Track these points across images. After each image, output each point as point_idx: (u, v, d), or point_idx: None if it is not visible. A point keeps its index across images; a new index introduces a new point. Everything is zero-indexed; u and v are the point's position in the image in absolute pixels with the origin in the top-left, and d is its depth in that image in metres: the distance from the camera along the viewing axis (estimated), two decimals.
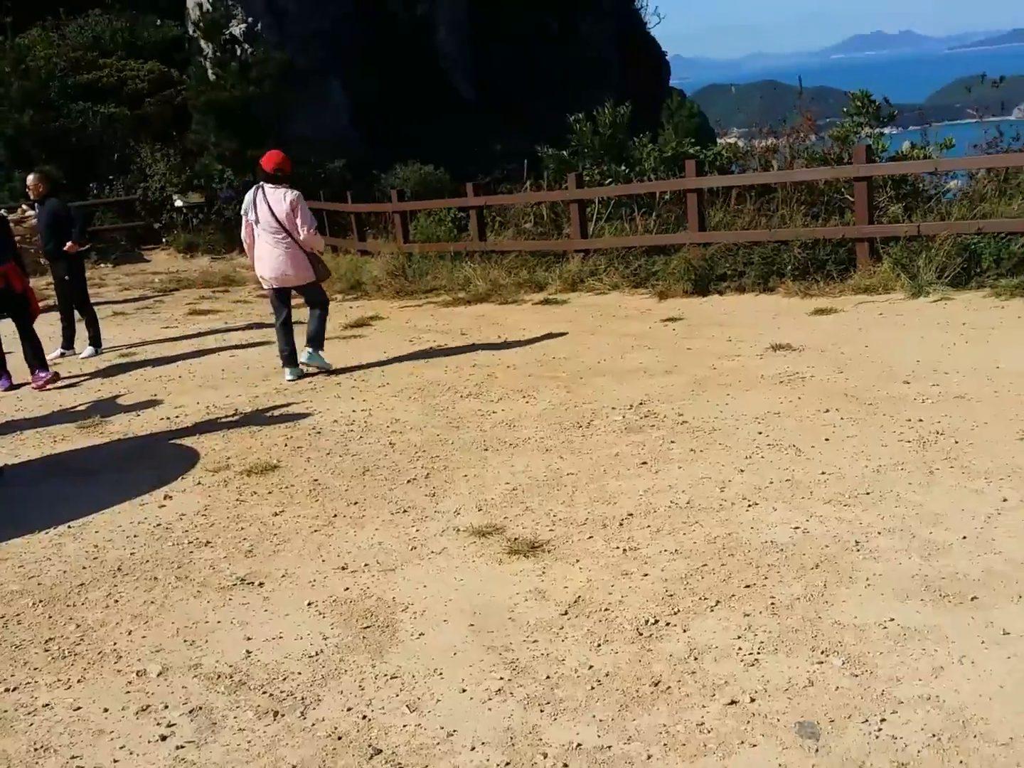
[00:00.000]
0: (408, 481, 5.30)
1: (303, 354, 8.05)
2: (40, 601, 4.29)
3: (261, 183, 7.77)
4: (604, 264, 11.01)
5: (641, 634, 3.43)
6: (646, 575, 3.87)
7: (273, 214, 7.63)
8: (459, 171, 18.78)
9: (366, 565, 4.31)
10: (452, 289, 11.68)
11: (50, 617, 4.13)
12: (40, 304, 8.97)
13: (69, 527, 5.17)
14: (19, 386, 8.46)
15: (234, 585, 4.24)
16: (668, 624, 3.48)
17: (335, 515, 4.93)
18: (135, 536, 4.94)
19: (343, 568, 4.30)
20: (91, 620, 4.06)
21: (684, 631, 3.43)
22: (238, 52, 18.24)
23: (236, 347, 9.58)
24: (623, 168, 12.19)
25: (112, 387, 8.26)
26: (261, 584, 4.22)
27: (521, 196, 13.58)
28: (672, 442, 5.45)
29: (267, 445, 6.22)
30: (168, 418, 7.15)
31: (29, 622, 4.10)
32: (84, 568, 4.61)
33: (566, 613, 3.64)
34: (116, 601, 4.21)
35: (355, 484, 5.34)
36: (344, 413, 6.78)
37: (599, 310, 9.70)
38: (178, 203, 18.11)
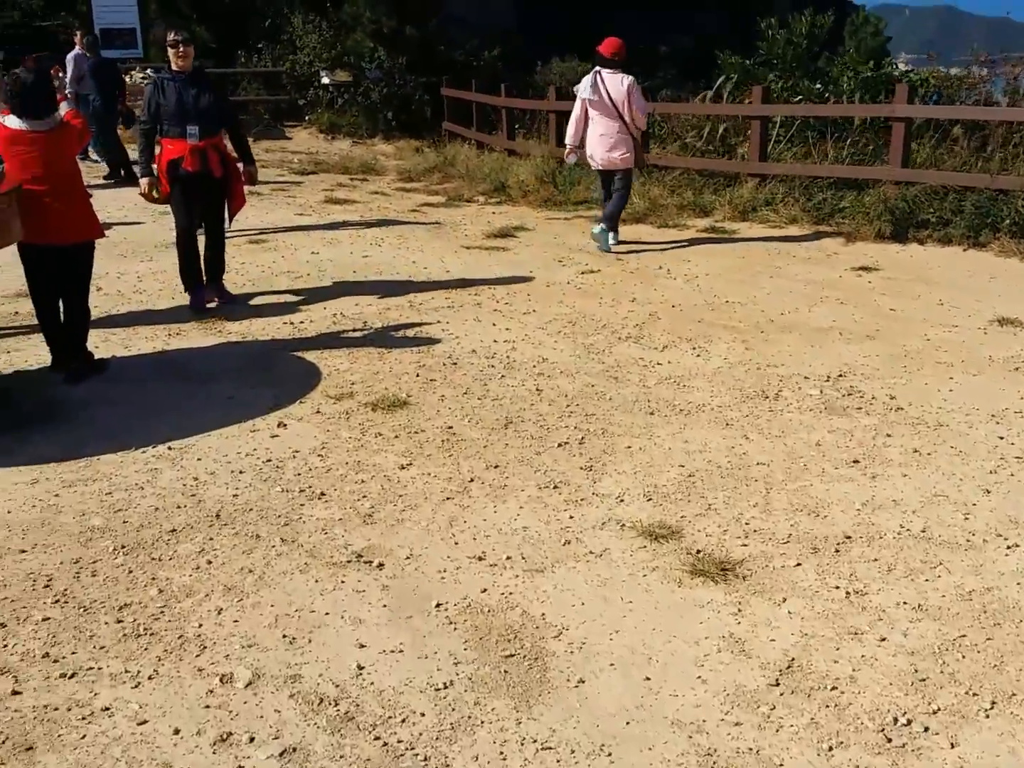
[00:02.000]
0: (559, 445, 4.44)
1: (596, 226, 8.45)
2: (122, 547, 3.62)
3: (598, 68, 8.13)
4: (782, 193, 9.78)
5: (889, 740, 2.53)
6: (883, 639, 2.94)
7: (610, 97, 8.02)
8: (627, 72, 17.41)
9: (508, 558, 3.49)
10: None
11: (130, 572, 3.45)
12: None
13: (169, 448, 4.50)
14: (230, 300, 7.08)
15: (348, 562, 3.48)
16: (926, 729, 2.57)
17: (471, 479, 4.11)
18: (240, 472, 4.23)
19: (479, 558, 3.49)
20: (177, 585, 3.36)
21: (952, 746, 2.51)
22: None
23: (370, 245, 8.80)
24: (817, 86, 10.79)
25: (237, 277, 7.57)
26: (380, 566, 3.45)
27: (693, 106, 12.28)
28: (888, 435, 4.44)
29: (396, 372, 5.42)
30: (291, 323, 6.42)
31: (105, 575, 3.44)
32: (178, 508, 3.92)
33: (777, 684, 2.75)
34: (209, 562, 3.50)
35: (495, 439, 4.51)
36: (484, 342, 5.93)
37: (775, 247, 8.55)
38: (325, 80, 17.30)
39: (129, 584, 3.37)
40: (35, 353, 5.92)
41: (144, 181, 6.48)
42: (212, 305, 6.79)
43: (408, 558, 3.50)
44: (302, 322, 6.47)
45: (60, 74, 11.96)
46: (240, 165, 6.82)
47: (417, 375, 5.38)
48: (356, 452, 4.40)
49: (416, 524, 3.74)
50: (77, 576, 3.43)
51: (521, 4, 21.35)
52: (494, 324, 6.30)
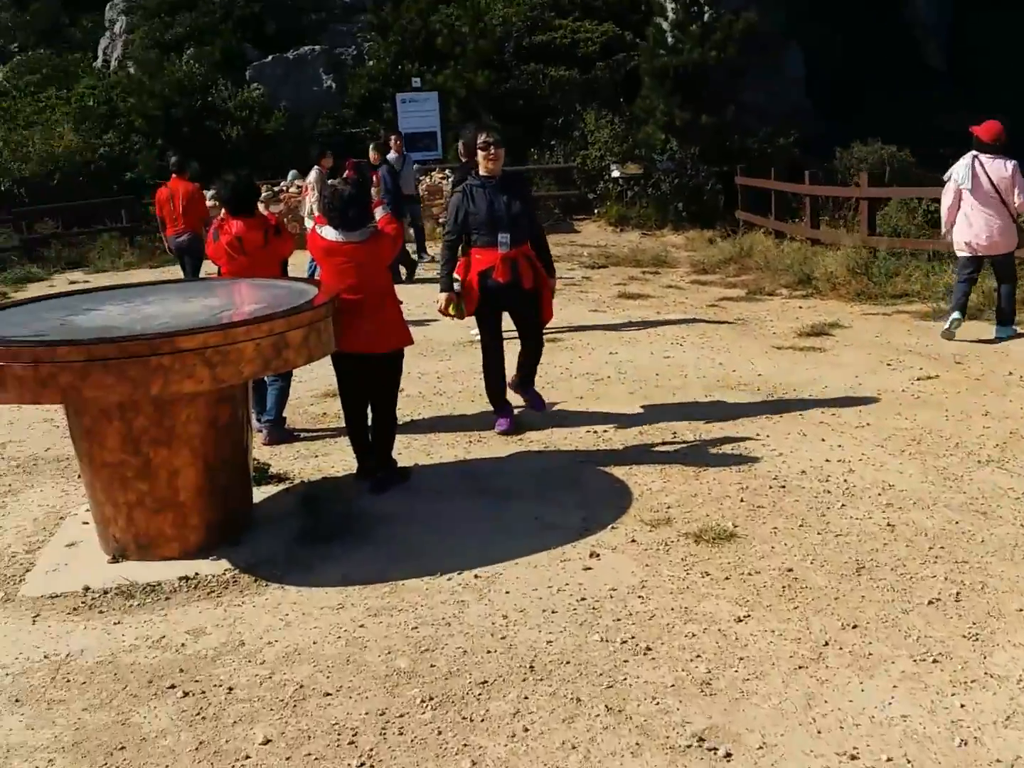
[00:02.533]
0: (929, 602, 3.69)
1: (950, 318, 7.95)
2: (430, 698, 3.25)
3: (975, 152, 7.83)
4: None
5: None
6: None
7: (992, 183, 7.71)
8: (924, 154, 16.27)
9: (888, 760, 2.80)
10: (928, 297, 9.64)
11: (439, 734, 3.06)
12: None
13: (476, 576, 4.15)
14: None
15: (689, 746, 2.92)
16: None
17: (826, 642, 3.45)
18: (553, 612, 3.79)
19: (852, 757, 2.83)
20: (491, 757, 2.94)
21: None
22: (700, 13, 16.94)
23: (671, 344, 8.33)
24: None
25: (538, 379, 7.31)
26: (728, 756, 2.87)
27: None
28: None
29: (716, 495, 4.85)
30: (595, 432, 6.02)
31: (414, 735, 3.07)
32: (488, 653, 3.52)
33: None
34: (526, 729, 3.05)
35: (847, 589, 3.83)
36: (813, 462, 5.25)
37: None
38: (615, 173, 17.28)
39: (439, 750, 2.98)
40: (341, 459, 5.84)
41: (442, 297, 6.02)
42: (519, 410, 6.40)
43: (761, 748, 2.89)
44: (606, 431, 6.05)
45: (376, 184, 12.30)
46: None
47: (741, 500, 4.78)
48: (681, 595, 3.86)
49: (765, 700, 3.12)
50: (383, 733, 3.08)
51: (815, 88, 20.60)
52: (823, 439, 5.61)
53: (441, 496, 5.13)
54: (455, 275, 6.05)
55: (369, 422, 5.42)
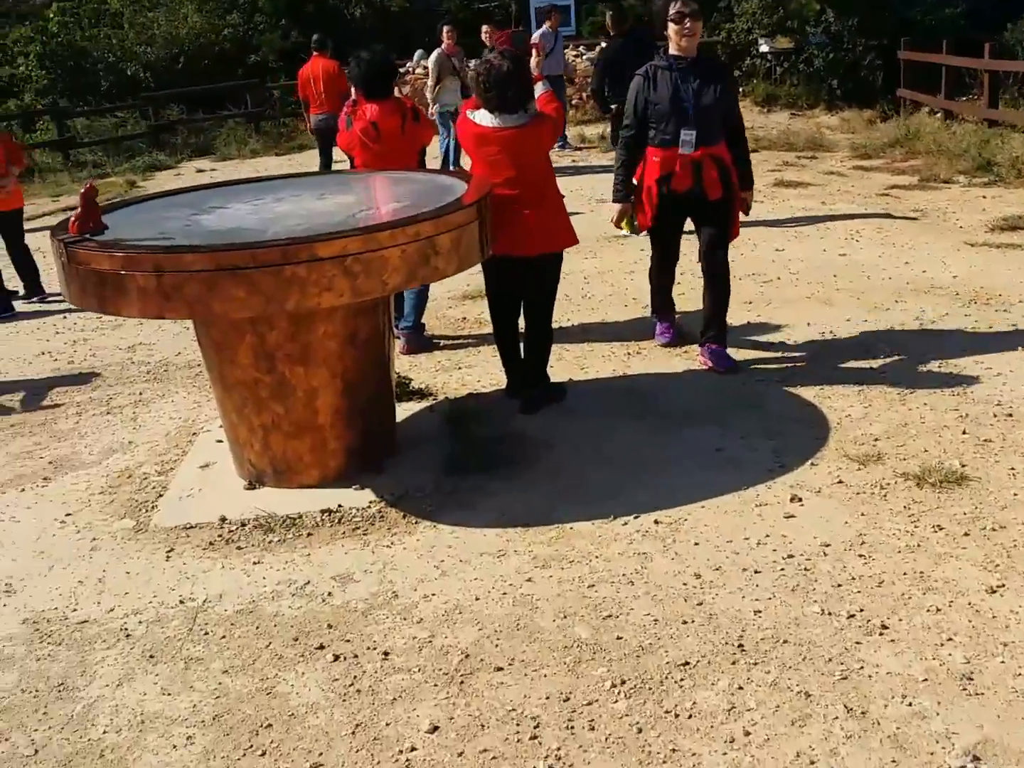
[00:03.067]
0: None
1: None
2: (622, 683, 2.73)
3: None
4: None
5: None
6: None
7: None
8: None
9: None
10: None
11: (639, 732, 2.55)
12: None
13: (656, 522, 3.59)
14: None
15: None
16: None
17: None
18: (756, 572, 3.21)
19: None
20: None
21: None
22: None
23: (845, 240, 7.46)
24: None
25: (696, 280, 6.59)
26: None
27: None
28: None
29: (932, 426, 4.15)
30: (772, 344, 5.33)
31: (608, 732, 2.56)
32: (685, 623, 2.97)
33: None
34: (747, 733, 2.51)
35: None
36: None
37: None
38: (763, 48, 15.93)
39: (642, 756, 2.46)
40: (487, 371, 5.31)
41: (617, 208, 5.12)
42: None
43: None
44: (785, 343, 5.35)
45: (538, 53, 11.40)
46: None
47: (963, 432, 4.06)
48: (912, 555, 3.22)
49: None
50: (570, 726, 2.58)
51: None
52: None
53: (602, 419, 4.55)
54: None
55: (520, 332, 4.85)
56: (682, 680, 2.71)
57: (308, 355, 3.94)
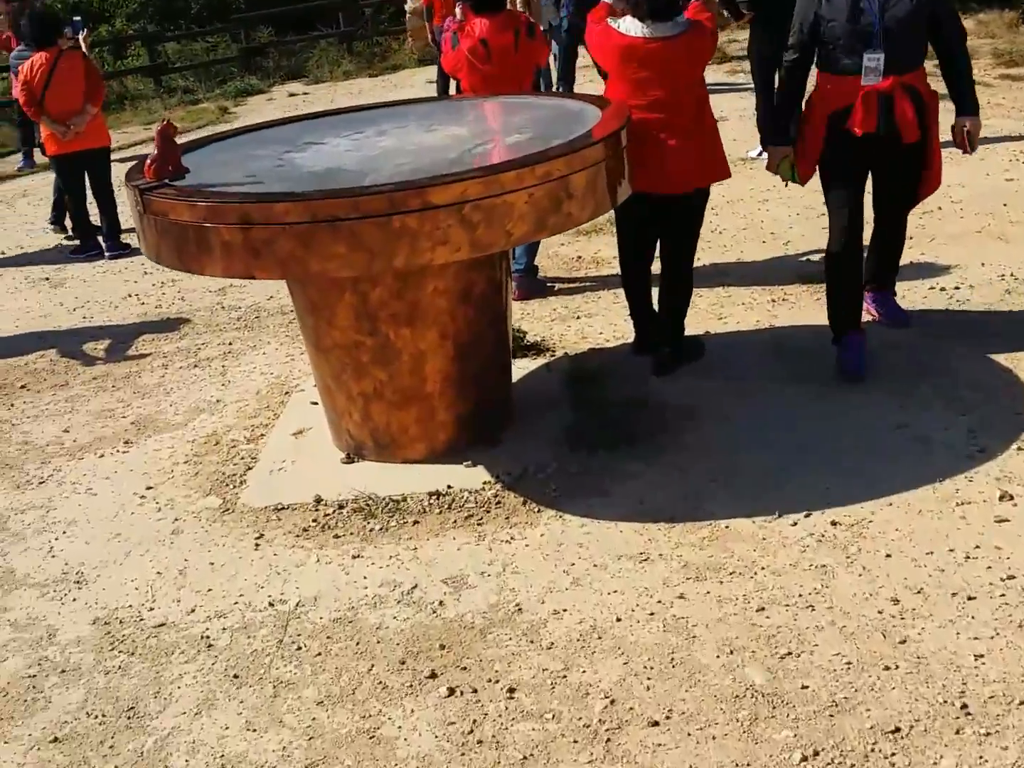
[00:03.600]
0: None
1: None
2: (814, 754, 2.15)
3: None
4: None
5: None
6: None
7: None
8: None
9: None
10: None
11: None
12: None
13: (834, 523, 2.99)
14: None
15: None
16: None
17: None
18: (969, 600, 2.61)
19: None
20: None
21: None
22: None
23: (1009, 162, 6.57)
24: None
25: None
26: None
27: None
28: None
29: None
30: (944, 290, 4.61)
31: None
32: (887, 669, 2.38)
33: None
34: None
35: None
36: None
37: None
38: None
39: None
40: (609, 322, 4.72)
41: (776, 152, 3.92)
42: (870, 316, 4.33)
43: None
44: (958, 288, 4.61)
45: None
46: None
47: None
48: None
49: None
50: None
51: None
52: None
53: (752, 384, 3.92)
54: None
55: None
56: (893, 756, 2.12)
57: (415, 315, 3.40)
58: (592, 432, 3.63)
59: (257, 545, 3.25)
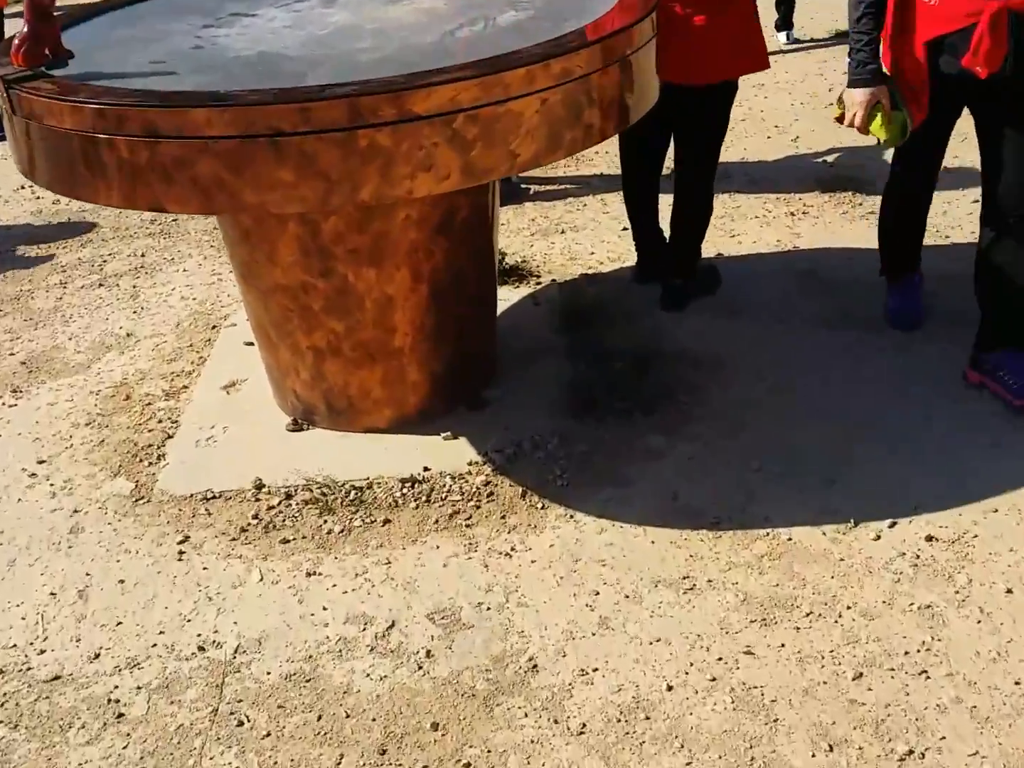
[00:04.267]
0: None
1: None
2: None
3: None
4: None
5: None
6: None
7: None
8: None
9: None
10: None
11: None
12: None
13: (929, 539, 2.35)
14: None
15: None
16: None
17: None
18: None
19: None
20: None
21: None
22: None
23: None
24: None
25: None
26: None
27: None
28: None
29: None
30: None
31: None
32: None
33: None
34: None
35: None
36: None
37: None
38: None
39: None
40: (600, 237, 3.98)
41: (855, 96, 2.67)
42: None
43: None
44: None
45: None
46: None
47: None
48: None
49: None
50: None
51: None
52: None
53: (786, 326, 3.23)
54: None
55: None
56: None
57: (382, 251, 2.62)
58: (598, 392, 2.93)
59: (181, 553, 2.52)
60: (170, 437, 2.97)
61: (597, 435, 2.79)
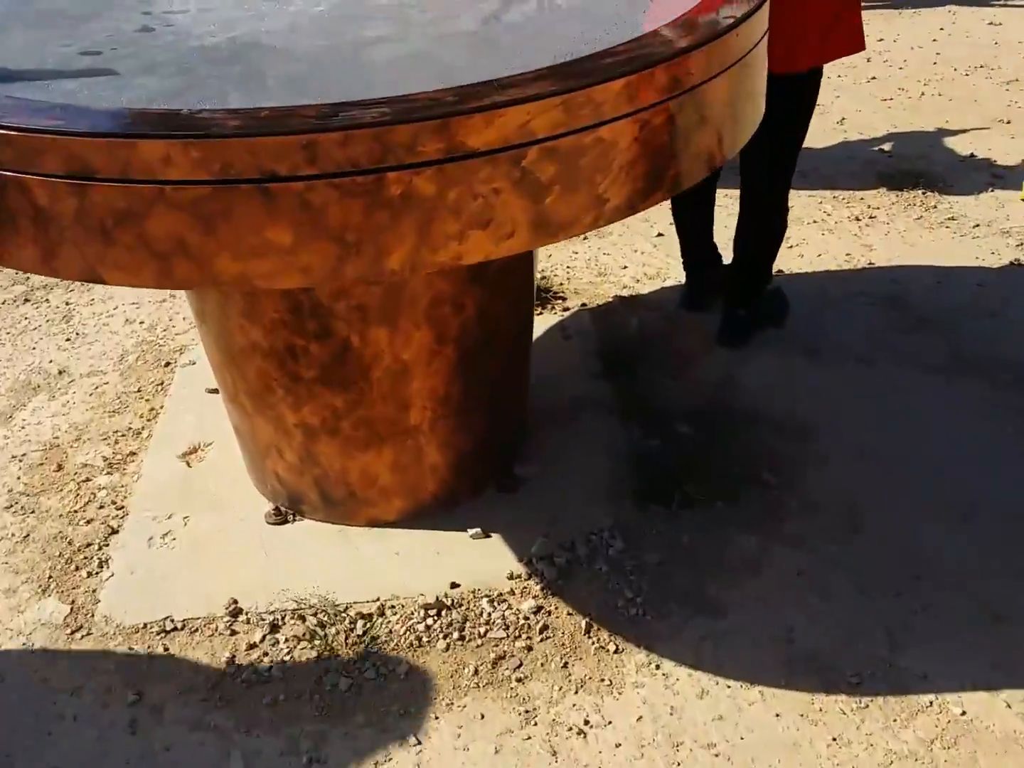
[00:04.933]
0: None
1: None
2: None
3: None
4: None
5: None
6: None
7: None
8: None
9: None
10: None
11: None
12: None
13: None
14: None
15: None
16: None
17: None
18: None
19: None
20: None
21: None
22: None
23: None
24: None
25: None
26: None
27: None
28: None
29: None
30: None
31: None
32: None
33: None
34: None
35: None
36: None
37: None
38: None
39: None
40: (631, 243, 3.33)
41: None
42: None
43: None
44: None
45: None
46: None
47: None
48: None
49: None
50: None
51: None
52: None
53: (876, 368, 2.63)
54: None
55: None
56: None
57: (396, 306, 1.96)
58: (662, 469, 2.30)
59: (133, 723, 1.86)
60: (115, 532, 2.30)
61: (671, 535, 2.17)
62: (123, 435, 2.62)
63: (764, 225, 2.72)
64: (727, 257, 2.87)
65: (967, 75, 4.54)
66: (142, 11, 1.95)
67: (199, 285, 1.49)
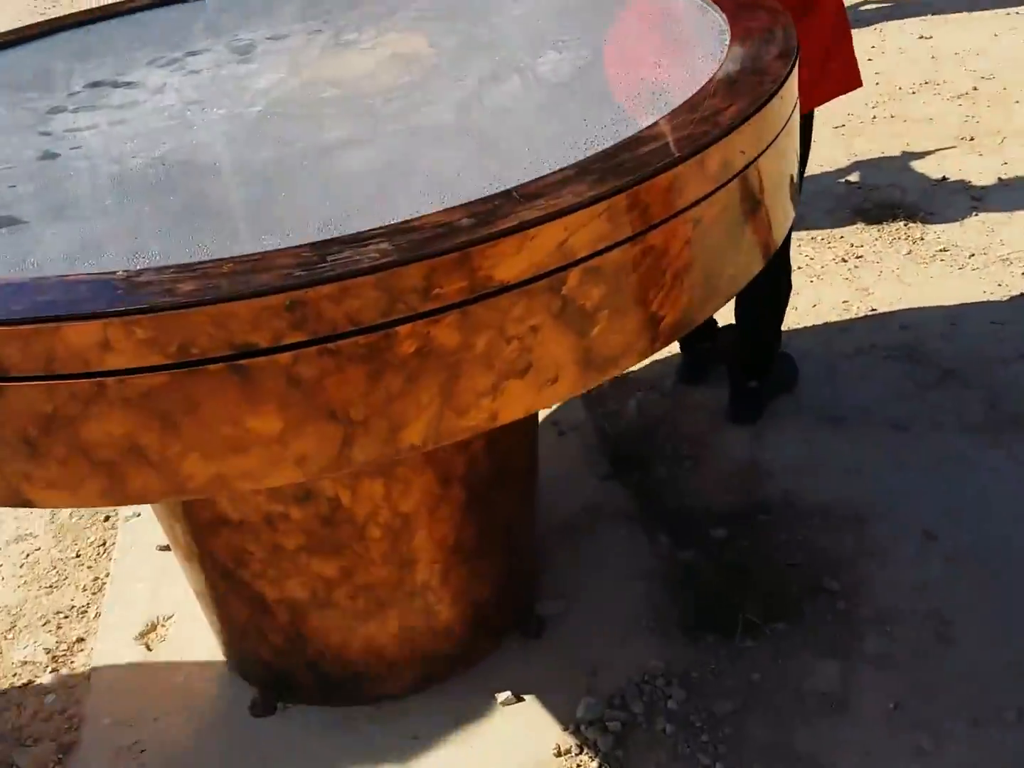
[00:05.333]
0: None
1: None
2: None
3: None
4: None
5: None
6: None
7: None
8: None
9: None
10: None
11: None
12: None
13: None
14: None
15: None
16: None
17: None
18: None
19: None
20: None
21: None
22: None
23: None
24: None
25: None
26: None
27: None
28: None
29: None
30: None
31: None
32: None
33: None
34: None
35: None
36: None
37: None
38: None
39: None
40: None
41: None
42: None
43: None
44: None
45: None
46: None
47: None
48: None
49: None
50: None
51: None
52: None
53: (912, 432, 2.35)
54: None
55: None
56: None
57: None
58: (709, 590, 1.98)
59: None
60: (69, 751, 1.88)
61: (737, 673, 1.84)
62: (65, 616, 2.22)
63: (770, 286, 2.44)
64: (721, 319, 2.60)
65: (914, 93, 4.36)
66: (39, 131, 1.59)
67: (162, 498, 1.13)
